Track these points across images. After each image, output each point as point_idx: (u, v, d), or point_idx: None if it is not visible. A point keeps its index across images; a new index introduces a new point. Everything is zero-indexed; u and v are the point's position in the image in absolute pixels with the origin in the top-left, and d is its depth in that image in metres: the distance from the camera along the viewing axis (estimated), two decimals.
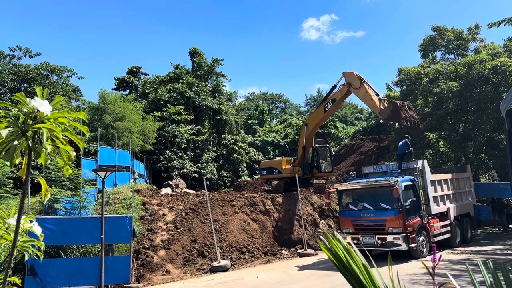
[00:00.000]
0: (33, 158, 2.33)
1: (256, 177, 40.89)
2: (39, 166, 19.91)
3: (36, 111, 2.28)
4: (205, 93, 41.82)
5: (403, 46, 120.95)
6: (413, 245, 14.21)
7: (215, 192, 24.54)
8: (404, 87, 27.44)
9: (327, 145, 25.96)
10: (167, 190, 24.92)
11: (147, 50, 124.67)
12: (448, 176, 17.99)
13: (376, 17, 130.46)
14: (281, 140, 49.46)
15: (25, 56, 29.10)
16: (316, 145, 23.61)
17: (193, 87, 40.91)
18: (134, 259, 14.04)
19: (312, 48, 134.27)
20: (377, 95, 18.76)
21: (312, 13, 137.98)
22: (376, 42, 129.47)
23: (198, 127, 39.56)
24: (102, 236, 11.86)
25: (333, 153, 26.99)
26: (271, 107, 63.39)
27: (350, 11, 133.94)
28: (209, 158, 39.84)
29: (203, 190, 21.95)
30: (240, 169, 42.34)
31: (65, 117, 2.39)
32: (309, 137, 23.09)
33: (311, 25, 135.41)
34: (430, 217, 15.73)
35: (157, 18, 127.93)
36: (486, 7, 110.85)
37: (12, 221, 2.48)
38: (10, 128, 2.23)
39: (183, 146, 36.37)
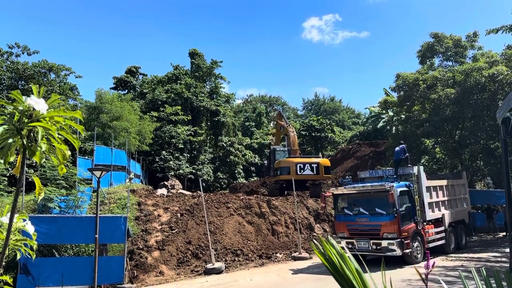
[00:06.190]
0: (27, 156, 2.32)
1: (252, 179, 40.90)
2: (34, 164, 19.81)
3: (31, 109, 2.26)
4: (203, 95, 41.79)
5: (405, 50, 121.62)
6: (407, 250, 14.22)
7: (211, 194, 24.51)
8: (402, 92, 27.57)
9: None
10: (163, 191, 24.87)
11: (147, 50, 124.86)
12: (443, 182, 18.03)
13: (380, 18, 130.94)
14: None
15: (23, 53, 29.03)
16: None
17: (191, 88, 40.89)
18: (128, 260, 13.97)
19: (313, 49, 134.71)
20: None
21: (314, 13, 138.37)
22: (380, 44, 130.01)
23: (195, 128, 39.51)
24: (96, 235, 11.81)
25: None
26: (269, 109, 63.39)
27: (354, 11, 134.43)
28: (206, 159, 39.79)
29: (199, 192, 21.90)
30: (236, 171, 42.30)
31: (61, 116, 2.37)
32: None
33: (312, 25, 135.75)
34: (425, 223, 15.74)
35: (157, 19, 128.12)
36: (486, 14, 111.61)
37: (5, 219, 2.46)
38: (5, 126, 2.22)
39: (179, 147, 36.31)
